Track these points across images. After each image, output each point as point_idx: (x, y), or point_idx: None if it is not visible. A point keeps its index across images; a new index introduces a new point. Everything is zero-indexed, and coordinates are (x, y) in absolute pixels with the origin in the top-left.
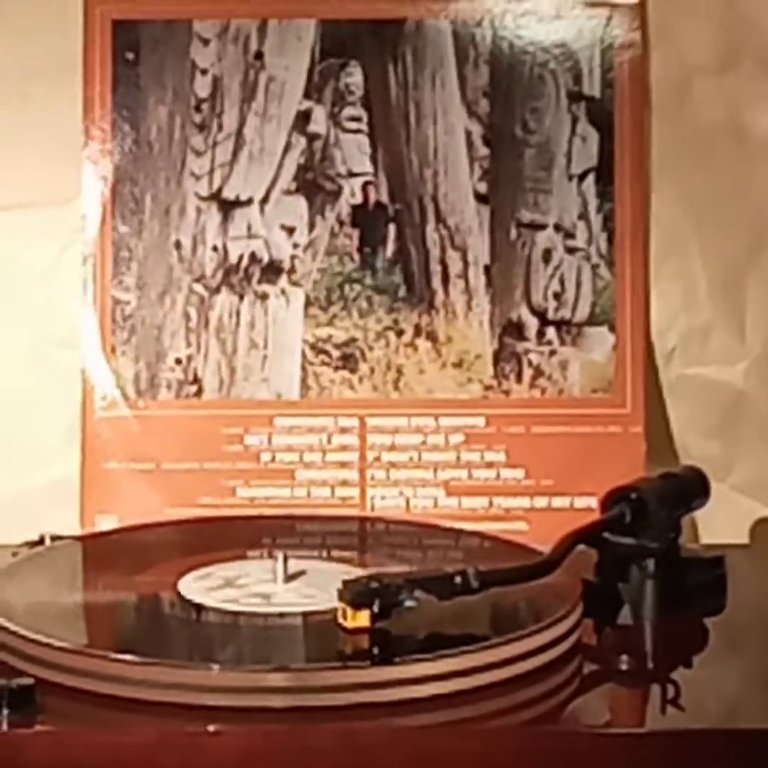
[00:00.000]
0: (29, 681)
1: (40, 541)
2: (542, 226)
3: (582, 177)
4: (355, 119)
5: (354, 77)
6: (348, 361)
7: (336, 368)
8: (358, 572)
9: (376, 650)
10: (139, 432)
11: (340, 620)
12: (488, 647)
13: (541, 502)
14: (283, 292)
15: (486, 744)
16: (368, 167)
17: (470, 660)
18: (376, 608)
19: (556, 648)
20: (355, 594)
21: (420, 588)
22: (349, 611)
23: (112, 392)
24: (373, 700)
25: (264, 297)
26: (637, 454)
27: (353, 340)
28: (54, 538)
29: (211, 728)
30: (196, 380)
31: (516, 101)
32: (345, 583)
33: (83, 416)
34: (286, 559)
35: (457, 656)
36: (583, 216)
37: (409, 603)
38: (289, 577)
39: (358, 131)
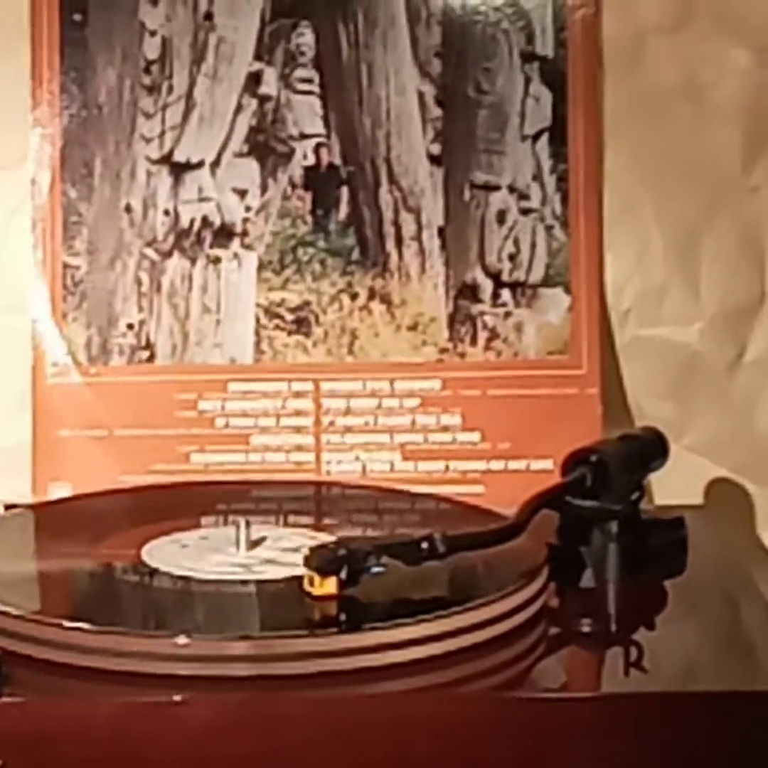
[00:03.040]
0: None
1: None
2: (496, 188)
3: (535, 137)
4: (307, 80)
5: (305, 38)
6: (302, 325)
7: (290, 332)
8: (320, 538)
9: (343, 617)
10: (91, 398)
11: (307, 587)
12: (458, 612)
13: (497, 465)
14: (235, 255)
15: (456, 710)
16: (320, 129)
17: (439, 625)
18: (343, 575)
19: (525, 611)
20: (322, 561)
21: (387, 554)
22: (316, 578)
23: (63, 358)
24: (341, 668)
25: (216, 261)
26: (593, 416)
27: (307, 303)
28: (7, 506)
29: (177, 698)
30: (149, 345)
31: (468, 61)
32: (311, 549)
33: (34, 383)
34: (248, 526)
35: (425, 622)
36: (537, 177)
37: (376, 569)
38: (252, 544)
39: (309, 93)
